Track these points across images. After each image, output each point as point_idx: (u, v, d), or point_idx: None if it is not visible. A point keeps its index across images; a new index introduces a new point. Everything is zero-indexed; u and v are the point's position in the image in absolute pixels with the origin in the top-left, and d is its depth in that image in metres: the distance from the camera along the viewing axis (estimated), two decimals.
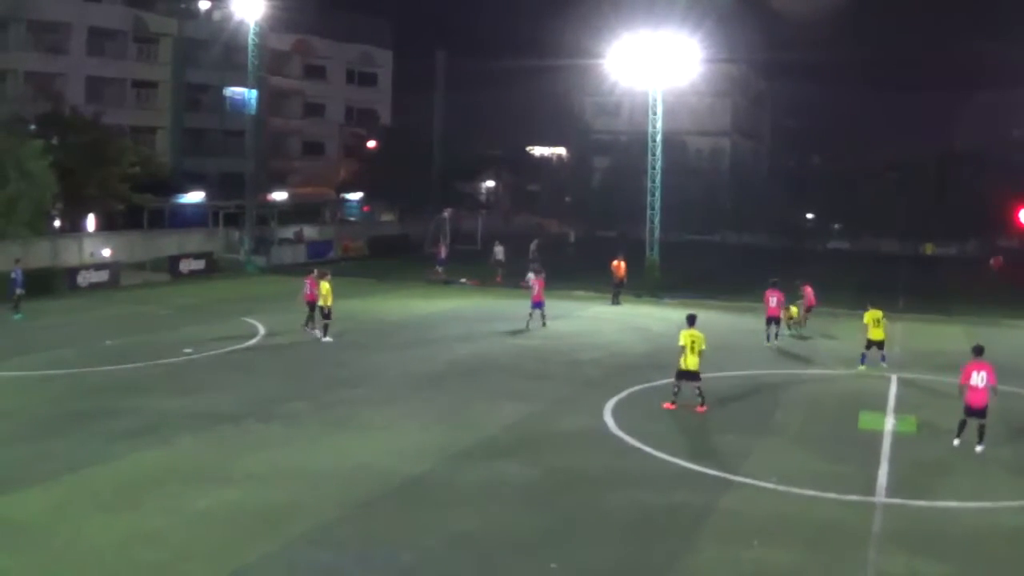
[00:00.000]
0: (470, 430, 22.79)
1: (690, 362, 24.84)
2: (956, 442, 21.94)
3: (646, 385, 27.60)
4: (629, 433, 22.64)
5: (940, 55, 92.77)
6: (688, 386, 25.13)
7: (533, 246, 59.24)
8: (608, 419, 24.05)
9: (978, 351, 22.33)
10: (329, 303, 34.52)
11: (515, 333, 37.32)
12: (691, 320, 25.73)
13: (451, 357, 32.24)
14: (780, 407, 26.32)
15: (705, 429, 23.66)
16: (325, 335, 34.54)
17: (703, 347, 24.97)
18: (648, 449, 21.40)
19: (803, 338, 38.14)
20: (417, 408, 24.98)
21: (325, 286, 34.64)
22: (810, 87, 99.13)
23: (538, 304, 38.51)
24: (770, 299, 36.57)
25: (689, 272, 57.79)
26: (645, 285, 49.84)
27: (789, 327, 38.53)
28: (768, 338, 36.33)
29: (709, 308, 43.58)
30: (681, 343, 25.03)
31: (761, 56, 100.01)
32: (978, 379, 21.69)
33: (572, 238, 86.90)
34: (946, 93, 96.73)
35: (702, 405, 24.93)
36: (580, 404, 25.71)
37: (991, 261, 72.81)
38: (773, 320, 36.53)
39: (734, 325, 41.10)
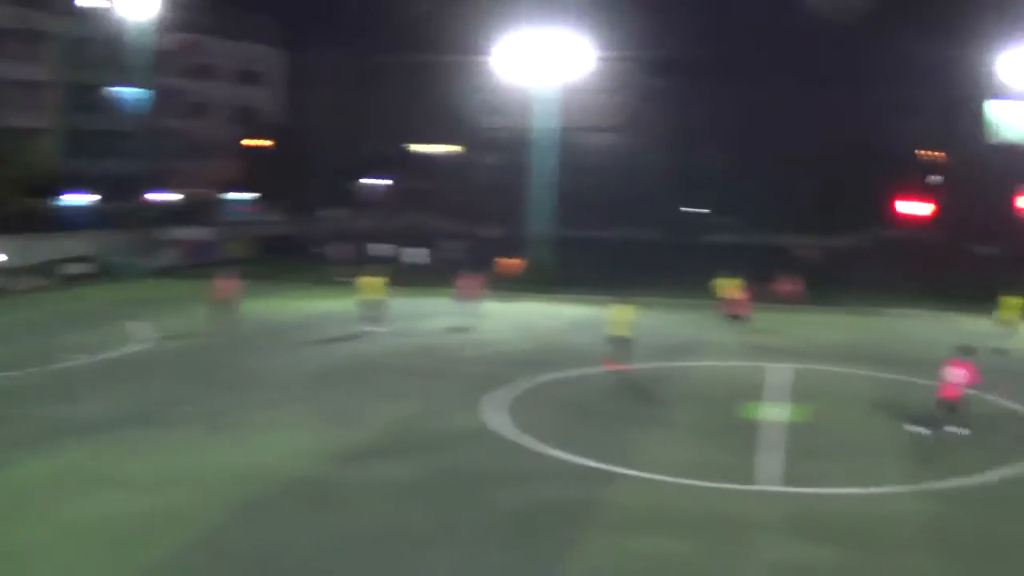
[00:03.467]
0: (356, 430, 22.87)
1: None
2: None
3: (533, 383, 27.85)
4: (514, 430, 22.88)
5: (829, 52, 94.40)
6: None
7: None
8: (493, 416, 24.23)
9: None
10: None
11: (399, 333, 37.23)
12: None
13: (337, 357, 32.24)
14: (671, 399, 26.76)
15: (591, 424, 23.99)
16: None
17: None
18: (532, 445, 21.65)
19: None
20: (303, 409, 24.95)
21: None
22: (703, 83, 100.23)
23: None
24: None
25: (581, 268, 57.97)
26: (533, 281, 49.99)
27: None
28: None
29: (603, 304, 43.87)
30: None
31: (653, 53, 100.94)
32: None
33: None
34: (840, 90, 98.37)
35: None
36: (464, 402, 25.82)
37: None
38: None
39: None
